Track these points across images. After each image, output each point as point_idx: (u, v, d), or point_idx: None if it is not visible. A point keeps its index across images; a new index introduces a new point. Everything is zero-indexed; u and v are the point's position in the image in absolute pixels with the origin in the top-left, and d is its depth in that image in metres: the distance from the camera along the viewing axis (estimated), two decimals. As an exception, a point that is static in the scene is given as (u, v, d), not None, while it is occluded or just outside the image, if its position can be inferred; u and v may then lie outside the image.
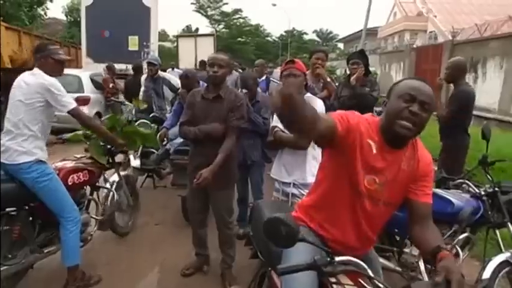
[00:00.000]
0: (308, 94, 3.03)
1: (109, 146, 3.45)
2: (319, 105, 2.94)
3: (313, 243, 1.44)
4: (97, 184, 3.51)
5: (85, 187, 3.34)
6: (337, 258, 1.44)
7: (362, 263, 1.49)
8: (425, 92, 1.57)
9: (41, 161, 2.72)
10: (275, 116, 3.15)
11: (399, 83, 1.67)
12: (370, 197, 1.64)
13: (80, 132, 3.45)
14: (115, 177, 3.76)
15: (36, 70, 2.77)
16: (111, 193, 3.63)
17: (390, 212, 1.72)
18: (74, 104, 2.82)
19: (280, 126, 3.00)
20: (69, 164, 3.14)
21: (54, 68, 2.84)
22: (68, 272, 2.92)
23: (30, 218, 2.84)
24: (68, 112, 2.78)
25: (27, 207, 2.78)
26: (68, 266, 2.90)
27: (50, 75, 2.76)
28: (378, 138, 1.62)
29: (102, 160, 3.42)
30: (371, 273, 1.44)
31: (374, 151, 1.60)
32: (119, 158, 3.97)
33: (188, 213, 3.28)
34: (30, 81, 2.70)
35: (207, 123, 2.94)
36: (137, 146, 3.93)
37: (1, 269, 2.59)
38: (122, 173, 3.95)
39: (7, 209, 2.65)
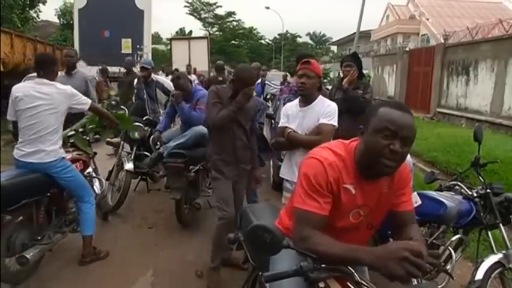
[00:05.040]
0: (320, 96, 3.00)
1: (87, 138, 3.87)
2: (332, 107, 2.92)
3: (298, 250, 1.42)
4: (84, 174, 3.75)
5: None
6: (323, 265, 1.42)
7: (348, 267, 1.44)
8: (407, 125, 1.42)
9: (63, 157, 3.16)
10: (283, 118, 3.07)
11: (376, 111, 1.48)
12: (355, 228, 1.63)
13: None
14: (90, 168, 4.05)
15: (45, 80, 3.09)
16: (97, 180, 4.05)
17: (372, 233, 1.71)
18: (90, 101, 3.35)
19: (292, 127, 2.96)
20: (69, 156, 3.44)
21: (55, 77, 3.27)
22: (84, 242, 3.40)
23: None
24: (89, 109, 3.37)
25: (48, 194, 3.15)
26: (87, 234, 3.39)
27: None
28: (355, 177, 1.54)
29: (90, 150, 3.90)
30: (358, 278, 1.41)
31: (353, 191, 1.54)
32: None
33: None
34: (49, 92, 3.05)
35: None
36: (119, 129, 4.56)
37: (30, 253, 2.94)
38: None
39: (34, 197, 3.00)
